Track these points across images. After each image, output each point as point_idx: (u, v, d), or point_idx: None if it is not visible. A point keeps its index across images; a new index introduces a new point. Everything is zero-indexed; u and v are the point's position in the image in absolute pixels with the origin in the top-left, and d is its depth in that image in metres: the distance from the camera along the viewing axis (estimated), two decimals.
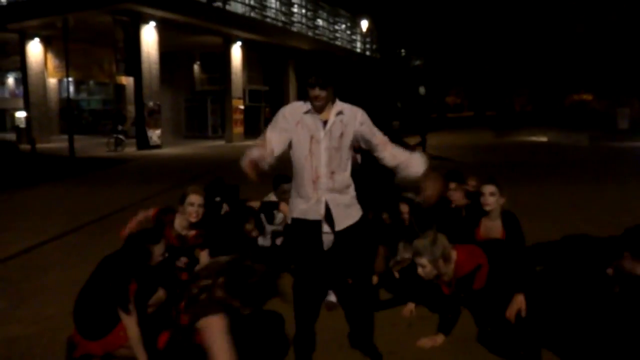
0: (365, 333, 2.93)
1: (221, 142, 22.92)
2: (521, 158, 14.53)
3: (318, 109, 2.69)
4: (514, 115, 38.01)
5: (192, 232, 3.44)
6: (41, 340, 3.16)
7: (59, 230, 6.06)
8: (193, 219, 3.34)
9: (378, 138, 2.78)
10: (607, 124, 23.23)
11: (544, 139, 22.08)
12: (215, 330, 2.14)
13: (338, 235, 2.74)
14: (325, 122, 2.69)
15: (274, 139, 2.69)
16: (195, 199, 3.32)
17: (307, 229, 2.73)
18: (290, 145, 2.74)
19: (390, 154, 2.78)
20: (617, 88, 27.76)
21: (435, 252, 2.86)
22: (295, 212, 2.79)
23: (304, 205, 2.73)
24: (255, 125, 27.29)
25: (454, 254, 2.92)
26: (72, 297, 3.86)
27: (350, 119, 2.73)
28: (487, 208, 3.35)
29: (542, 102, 39.15)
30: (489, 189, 3.32)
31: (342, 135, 2.70)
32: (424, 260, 2.89)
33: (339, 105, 2.74)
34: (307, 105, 2.71)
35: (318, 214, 2.70)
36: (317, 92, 2.62)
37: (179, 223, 3.40)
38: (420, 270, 2.94)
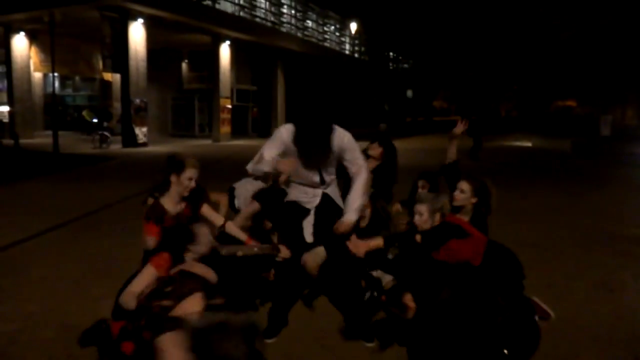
0: (356, 317, 3.15)
1: (208, 142, 22.81)
2: (505, 163, 14.71)
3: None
4: (499, 120, 38.46)
5: (183, 205, 3.20)
6: (22, 336, 3.13)
7: (42, 226, 6.00)
8: (186, 194, 3.12)
9: (356, 164, 3.19)
10: (590, 130, 23.62)
11: (528, 144, 22.38)
12: (170, 346, 2.21)
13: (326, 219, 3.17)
14: None
15: (274, 151, 3.11)
16: (194, 173, 3.08)
17: (300, 213, 3.19)
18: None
19: (354, 186, 3.19)
20: (601, 95, 28.26)
21: (435, 204, 3.14)
22: (292, 195, 3.25)
23: (304, 197, 3.20)
24: (243, 125, 27.22)
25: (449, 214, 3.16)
26: (54, 294, 3.86)
27: (339, 140, 3.11)
28: (455, 203, 3.34)
29: (527, 107, 39.68)
30: (461, 184, 3.31)
31: (332, 152, 3.13)
32: (423, 208, 3.12)
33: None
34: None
35: (313, 205, 3.18)
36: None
37: (171, 201, 3.14)
38: (417, 217, 3.14)
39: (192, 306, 2.44)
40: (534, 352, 2.72)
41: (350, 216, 3.12)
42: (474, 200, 3.30)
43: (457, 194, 3.29)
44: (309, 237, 3.15)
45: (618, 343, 3.13)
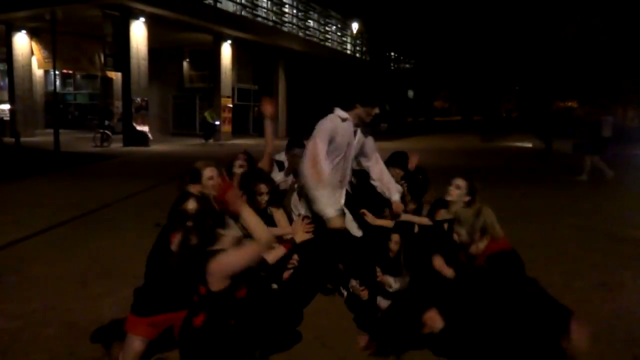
0: (369, 315, 3.26)
1: (209, 140, 22.80)
2: (506, 163, 14.71)
3: (357, 123, 3.35)
4: (500, 121, 38.45)
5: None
6: (24, 334, 3.15)
7: (44, 224, 6.02)
8: (215, 192, 3.09)
9: (376, 153, 3.57)
10: (590, 131, 23.57)
11: (528, 144, 22.35)
12: (224, 257, 2.32)
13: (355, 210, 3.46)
14: (355, 132, 3.38)
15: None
16: (212, 171, 3.06)
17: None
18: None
19: (380, 169, 3.60)
20: (602, 96, 28.24)
21: (475, 224, 2.91)
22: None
23: (331, 197, 3.24)
24: (244, 124, 27.21)
25: (496, 232, 2.94)
26: (56, 292, 3.87)
27: (365, 133, 3.46)
28: (447, 197, 3.44)
29: (528, 108, 39.66)
30: (457, 181, 3.42)
31: (358, 141, 3.41)
32: (462, 231, 2.94)
33: (343, 115, 3.37)
34: (343, 115, 3.31)
35: (339, 204, 3.34)
36: (377, 110, 3.30)
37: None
38: (455, 236, 3.01)
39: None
40: None
41: (395, 197, 3.55)
42: (467, 198, 3.39)
43: (452, 189, 3.41)
44: (358, 232, 3.48)
45: (617, 343, 3.14)
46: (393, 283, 3.42)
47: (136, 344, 2.58)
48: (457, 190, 3.39)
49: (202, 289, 2.39)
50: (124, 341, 2.61)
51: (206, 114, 22.20)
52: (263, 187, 3.37)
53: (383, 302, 3.40)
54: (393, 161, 4.25)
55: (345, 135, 3.30)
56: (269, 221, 3.43)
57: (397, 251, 3.57)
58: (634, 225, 6.55)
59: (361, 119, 3.33)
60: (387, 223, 3.65)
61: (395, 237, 3.62)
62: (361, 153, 3.58)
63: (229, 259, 2.34)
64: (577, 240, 5.73)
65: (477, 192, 3.43)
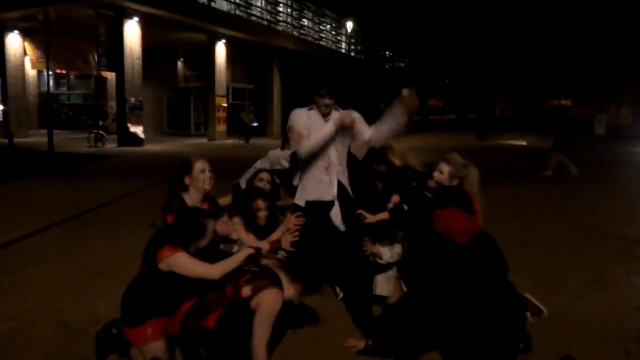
0: (364, 312, 3.25)
1: (204, 140, 22.78)
2: (500, 161, 14.77)
3: (324, 114, 3.35)
4: (495, 119, 38.56)
5: (205, 204, 3.14)
6: (19, 335, 3.15)
7: (38, 225, 6.00)
8: (207, 186, 3.05)
9: (366, 128, 3.49)
10: (584, 129, 23.74)
11: (523, 142, 22.46)
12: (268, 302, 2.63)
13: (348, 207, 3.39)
14: (327, 120, 3.34)
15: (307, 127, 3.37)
16: (203, 164, 3.05)
17: (321, 209, 3.36)
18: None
19: (374, 129, 3.48)
20: (595, 94, 28.39)
21: (460, 170, 3.33)
22: (309, 195, 3.39)
23: (319, 188, 3.36)
24: (238, 124, 27.15)
25: (474, 189, 3.31)
26: (51, 292, 3.87)
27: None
28: (430, 184, 3.58)
29: (522, 106, 39.79)
30: (441, 166, 3.47)
31: (344, 132, 3.36)
32: (445, 168, 3.34)
33: (338, 108, 3.43)
34: (312, 110, 3.40)
35: (331, 195, 3.36)
36: (327, 101, 3.29)
37: (192, 198, 3.07)
38: (436, 173, 3.36)
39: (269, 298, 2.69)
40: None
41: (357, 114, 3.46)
42: (455, 182, 3.46)
43: (436, 174, 3.48)
44: (341, 226, 3.41)
45: (609, 338, 3.18)
46: (384, 254, 3.40)
47: (154, 346, 2.53)
48: (440, 176, 3.49)
49: (229, 289, 2.55)
50: (142, 352, 2.56)
51: (242, 115, 21.98)
52: (260, 203, 3.24)
53: (379, 277, 3.43)
54: (371, 158, 4.15)
55: (315, 124, 3.35)
56: (268, 233, 3.42)
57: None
58: (627, 222, 6.61)
59: (320, 109, 3.36)
60: (385, 216, 3.61)
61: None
62: (356, 138, 3.55)
63: (180, 262, 2.53)
64: (570, 237, 5.77)
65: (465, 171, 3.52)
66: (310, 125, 3.35)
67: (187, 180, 3.04)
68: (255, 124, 22.18)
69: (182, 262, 2.55)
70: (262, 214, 3.23)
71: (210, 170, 3.07)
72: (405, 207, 3.49)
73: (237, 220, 3.28)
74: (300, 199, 3.47)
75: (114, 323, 2.93)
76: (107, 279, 4.16)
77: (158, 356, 2.51)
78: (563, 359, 2.56)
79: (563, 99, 36.96)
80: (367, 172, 4.09)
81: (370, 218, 3.39)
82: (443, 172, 3.35)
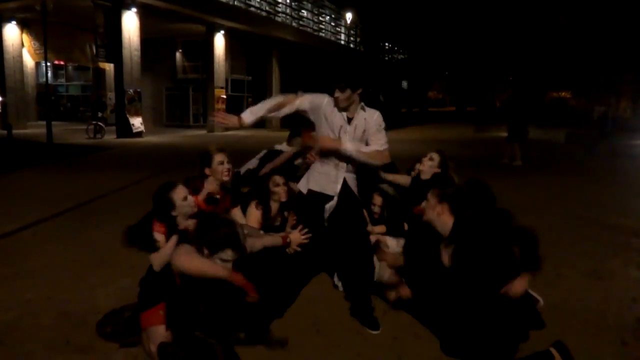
0: (361, 302, 3.23)
1: (203, 132, 22.75)
2: (498, 153, 14.77)
3: (341, 108, 3.23)
4: (494, 111, 38.52)
5: (220, 193, 3.28)
6: (20, 324, 3.17)
7: (38, 216, 6.01)
8: (226, 177, 3.21)
9: (378, 139, 3.34)
10: (584, 121, 23.75)
11: None
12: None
13: (347, 202, 3.34)
14: (350, 119, 3.26)
15: (307, 103, 3.30)
16: (222, 156, 3.19)
17: (321, 201, 3.36)
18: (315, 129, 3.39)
19: (370, 149, 3.34)
20: (595, 86, 28.36)
21: (450, 162, 3.71)
22: (313, 185, 3.40)
23: (325, 181, 3.36)
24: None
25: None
26: (51, 282, 3.89)
27: (369, 116, 3.30)
28: (419, 166, 3.86)
29: (522, 98, 39.74)
30: (432, 154, 3.72)
31: (364, 132, 3.30)
32: (436, 155, 3.67)
33: (363, 106, 3.31)
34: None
35: (334, 191, 3.35)
36: (337, 94, 3.16)
37: (210, 187, 3.22)
38: (426, 161, 3.69)
39: None
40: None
41: (345, 143, 3.22)
42: (437, 170, 3.70)
43: (425, 160, 3.70)
44: (326, 218, 3.40)
45: (606, 328, 3.20)
46: (390, 244, 3.45)
47: (159, 331, 2.61)
48: (429, 162, 3.66)
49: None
50: (148, 335, 2.63)
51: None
52: (278, 179, 3.39)
53: (386, 271, 3.47)
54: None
55: (333, 115, 3.26)
56: (282, 226, 3.52)
57: (380, 212, 3.83)
58: (625, 213, 6.63)
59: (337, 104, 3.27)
60: (382, 229, 3.71)
61: (378, 200, 3.84)
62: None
63: (183, 259, 2.53)
64: (568, 229, 5.79)
65: (450, 169, 3.81)
66: (330, 113, 3.28)
67: (207, 171, 3.22)
68: None
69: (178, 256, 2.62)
70: (282, 189, 3.38)
71: (228, 161, 3.23)
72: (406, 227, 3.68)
73: (237, 211, 3.34)
74: (303, 187, 3.49)
75: (114, 313, 2.97)
76: (107, 269, 4.18)
77: (164, 341, 2.56)
78: (554, 345, 2.59)
79: (562, 91, 36.92)
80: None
81: (370, 228, 3.50)
82: (434, 159, 3.69)
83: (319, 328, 3.13)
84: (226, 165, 3.19)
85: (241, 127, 3.36)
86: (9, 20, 20.97)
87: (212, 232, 2.54)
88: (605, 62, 26.73)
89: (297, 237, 3.22)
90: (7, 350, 2.84)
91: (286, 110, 3.37)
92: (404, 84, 52.78)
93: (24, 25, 21.43)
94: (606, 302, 3.65)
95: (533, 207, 6.93)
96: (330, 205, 3.39)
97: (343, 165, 3.35)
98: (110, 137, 17.78)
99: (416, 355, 2.83)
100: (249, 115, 3.39)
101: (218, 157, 3.18)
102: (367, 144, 3.36)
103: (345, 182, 3.39)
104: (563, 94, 39.34)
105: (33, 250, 4.75)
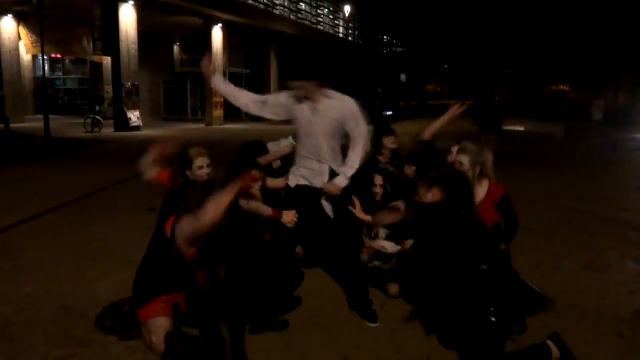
0: (358, 295, 3.22)
1: (201, 125, 22.70)
2: (497, 147, 14.76)
3: (307, 97, 3.17)
4: (493, 105, 38.46)
5: None
6: (19, 318, 3.17)
7: (36, 210, 6.00)
8: (205, 178, 3.18)
9: (358, 130, 3.21)
10: (582, 115, 23.74)
11: (520, 128, 22.46)
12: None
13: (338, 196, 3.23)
14: (317, 110, 3.17)
15: (272, 99, 3.33)
16: (204, 161, 3.19)
17: (310, 194, 3.29)
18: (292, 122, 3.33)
19: (354, 144, 3.25)
20: (593, 80, 28.31)
21: (478, 157, 3.13)
22: (300, 179, 3.33)
23: (310, 175, 3.28)
24: (236, 109, 27.03)
25: (490, 173, 3.16)
26: (49, 276, 3.89)
27: (340, 106, 3.19)
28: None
29: (520, 92, 39.73)
30: (458, 157, 3.23)
31: (334, 120, 3.18)
32: (465, 159, 3.11)
33: (330, 94, 3.19)
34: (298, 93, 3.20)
35: (321, 183, 3.25)
36: (299, 83, 3.14)
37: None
38: (457, 165, 3.15)
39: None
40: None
41: (340, 180, 3.23)
42: (478, 170, 3.20)
43: (457, 167, 3.22)
44: (331, 213, 3.33)
45: (603, 320, 3.22)
46: (388, 247, 3.37)
47: (160, 323, 2.60)
48: (462, 167, 3.18)
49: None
50: (148, 328, 2.62)
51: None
52: (257, 173, 3.23)
53: (386, 267, 3.46)
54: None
55: (300, 109, 3.24)
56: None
57: (383, 194, 3.66)
58: (623, 207, 6.65)
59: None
60: (380, 245, 3.43)
61: (379, 180, 3.67)
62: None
63: (183, 224, 2.46)
64: (566, 222, 5.81)
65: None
66: (297, 106, 3.26)
67: (188, 173, 3.21)
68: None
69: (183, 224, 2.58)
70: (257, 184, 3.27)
71: (208, 165, 3.21)
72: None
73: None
74: (292, 182, 3.45)
75: (113, 307, 2.97)
76: (106, 263, 4.18)
77: (164, 331, 2.56)
78: (551, 337, 2.60)
79: (561, 84, 36.88)
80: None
81: (358, 214, 3.14)
82: (464, 164, 3.13)
83: (318, 322, 3.14)
84: (206, 171, 3.18)
85: (208, 78, 3.33)
86: (5, 14, 20.82)
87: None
88: (604, 55, 26.67)
89: (290, 216, 3.20)
90: (6, 344, 2.85)
91: (253, 109, 3.38)
92: (403, 77, 52.65)
93: (20, 19, 21.28)
94: (604, 294, 3.67)
95: (532, 201, 6.93)
96: (325, 201, 3.32)
97: (324, 157, 3.27)
98: (108, 131, 17.73)
99: (415, 347, 2.85)
100: (222, 82, 3.43)
101: (198, 162, 3.17)
102: (347, 134, 3.27)
103: (334, 173, 3.29)
104: (562, 87, 39.29)
105: (31, 244, 4.75)
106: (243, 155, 3.61)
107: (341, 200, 3.25)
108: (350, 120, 3.20)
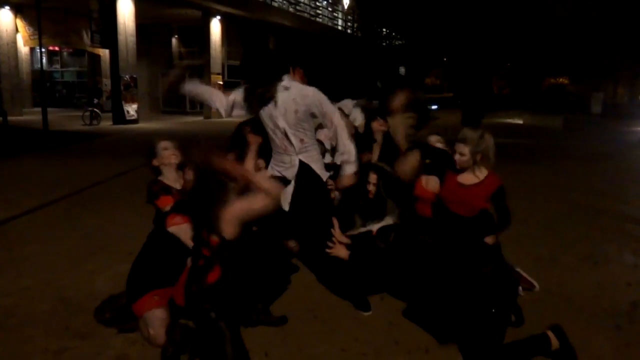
0: (345, 287, 3.21)
1: (199, 118, 22.64)
2: (496, 140, 14.77)
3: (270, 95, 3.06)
4: (492, 98, 38.44)
5: (180, 175, 3.21)
6: (19, 310, 3.18)
7: (35, 203, 6.00)
8: (174, 160, 3.14)
9: (327, 117, 3.09)
10: (581, 107, 23.74)
11: (519, 121, 22.47)
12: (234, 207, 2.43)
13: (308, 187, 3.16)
14: (276, 103, 3.05)
15: (238, 98, 3.21)
16: (166, 143, 3.16)
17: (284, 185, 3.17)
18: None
19: (334, 131, 3.11)
20: (592, 73, 28.26)
21: (479, 145, 3.04)
22: (275, 172, 3.26)
23: (281, 167, 3.22)
24: None
25: (491, 160, 3.10)
26: (49, 269, 3.90)
27: (299, 96, 3.04)
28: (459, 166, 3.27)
29: (519, 85, 39.64)
30: (458, 147, 3.17)
31: (296, 112, 3.04)
32: (465, 149, 3.04)
33: (286, 84, 3.05)
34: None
35: (292, 174, 3.17)
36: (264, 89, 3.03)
37: (169, 178, 3.15)
38: (457, 157, 3.09)
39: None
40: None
41: (348, 169, 3.15)
42: (478, 158, 3.16)
43: (457, 158, 3.20)
44: (286, 205, 3.16)
45: (601, 313, 3.24)
46: (374, 229, 3.36)
47: (157, 314, 2.64)
48: (462, 158, 3.15)
49: (214, 240, 2.45)
50: (145, 321, 2.65)
51: None
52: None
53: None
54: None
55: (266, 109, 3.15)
56: None
57: (376, 192, 3.58)
58: (621, 199, 6.67)
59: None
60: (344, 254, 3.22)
61: (373, 178, 3.60)
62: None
63: (243, 205, 2.44)
64: (564, 215, 5.82)
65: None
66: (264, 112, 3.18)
67: (155, 162, 3.15)
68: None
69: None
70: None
71: (173, 146, 3.18)
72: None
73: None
74: (270, 173, 3.39)
75: (112, 299, 2.98)
76: (105, 255, 4.19)
77: (161, 323, 2.61)
78: (551, 328, 2.62)
79: (560, 77, 36.80)
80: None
81: (338, 237, 3.09)
82: (464, 154, 3.07)
83: (316, 314, 3.16)
84: (171, 150, 3.14)
85: (177, 91, 3.32)
86: (2, 6, 20.66)
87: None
88: (603, 48, 26.60)
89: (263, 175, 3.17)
90: (6, 336, 2.86)
91: (223, 113, 3.33)
92: (402, 70, 52.54)
93: (18, 11, 21.12)
94: (601, 287, 3.68)
95: (531, 193, 6.95)
96: (287, 191, 3.18)
97: (294, 150, 3.14)
98: (106, 124, 17.68)
99: (412, 339, 2.86)
100: (193, 88, 3.41)
101: (162, 145, 3.16)
102: (319, 125, 3.27)
103: (303, 164, 3.16)
104: (561, 80, 39.21)
105: (30, 236, 4.75)
106: (239, 135, 3.63)
107: (311, 189, 3.18)
108: (313, 106, 3.07)
